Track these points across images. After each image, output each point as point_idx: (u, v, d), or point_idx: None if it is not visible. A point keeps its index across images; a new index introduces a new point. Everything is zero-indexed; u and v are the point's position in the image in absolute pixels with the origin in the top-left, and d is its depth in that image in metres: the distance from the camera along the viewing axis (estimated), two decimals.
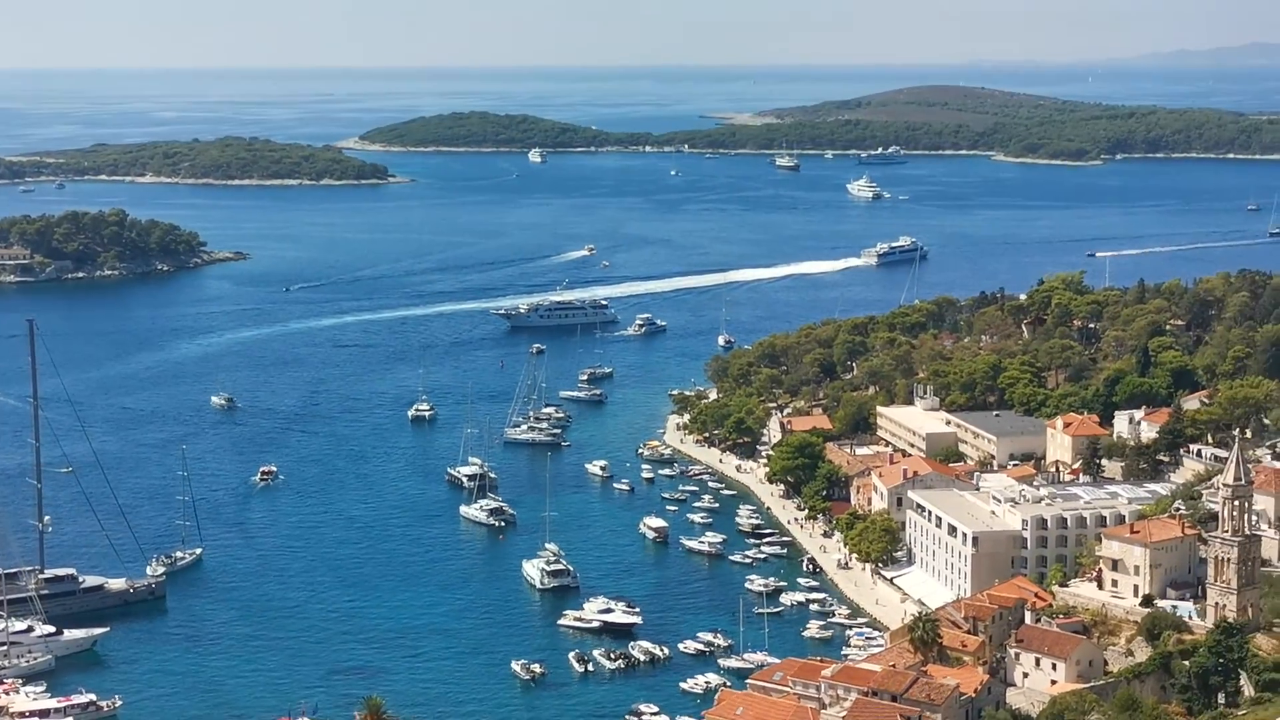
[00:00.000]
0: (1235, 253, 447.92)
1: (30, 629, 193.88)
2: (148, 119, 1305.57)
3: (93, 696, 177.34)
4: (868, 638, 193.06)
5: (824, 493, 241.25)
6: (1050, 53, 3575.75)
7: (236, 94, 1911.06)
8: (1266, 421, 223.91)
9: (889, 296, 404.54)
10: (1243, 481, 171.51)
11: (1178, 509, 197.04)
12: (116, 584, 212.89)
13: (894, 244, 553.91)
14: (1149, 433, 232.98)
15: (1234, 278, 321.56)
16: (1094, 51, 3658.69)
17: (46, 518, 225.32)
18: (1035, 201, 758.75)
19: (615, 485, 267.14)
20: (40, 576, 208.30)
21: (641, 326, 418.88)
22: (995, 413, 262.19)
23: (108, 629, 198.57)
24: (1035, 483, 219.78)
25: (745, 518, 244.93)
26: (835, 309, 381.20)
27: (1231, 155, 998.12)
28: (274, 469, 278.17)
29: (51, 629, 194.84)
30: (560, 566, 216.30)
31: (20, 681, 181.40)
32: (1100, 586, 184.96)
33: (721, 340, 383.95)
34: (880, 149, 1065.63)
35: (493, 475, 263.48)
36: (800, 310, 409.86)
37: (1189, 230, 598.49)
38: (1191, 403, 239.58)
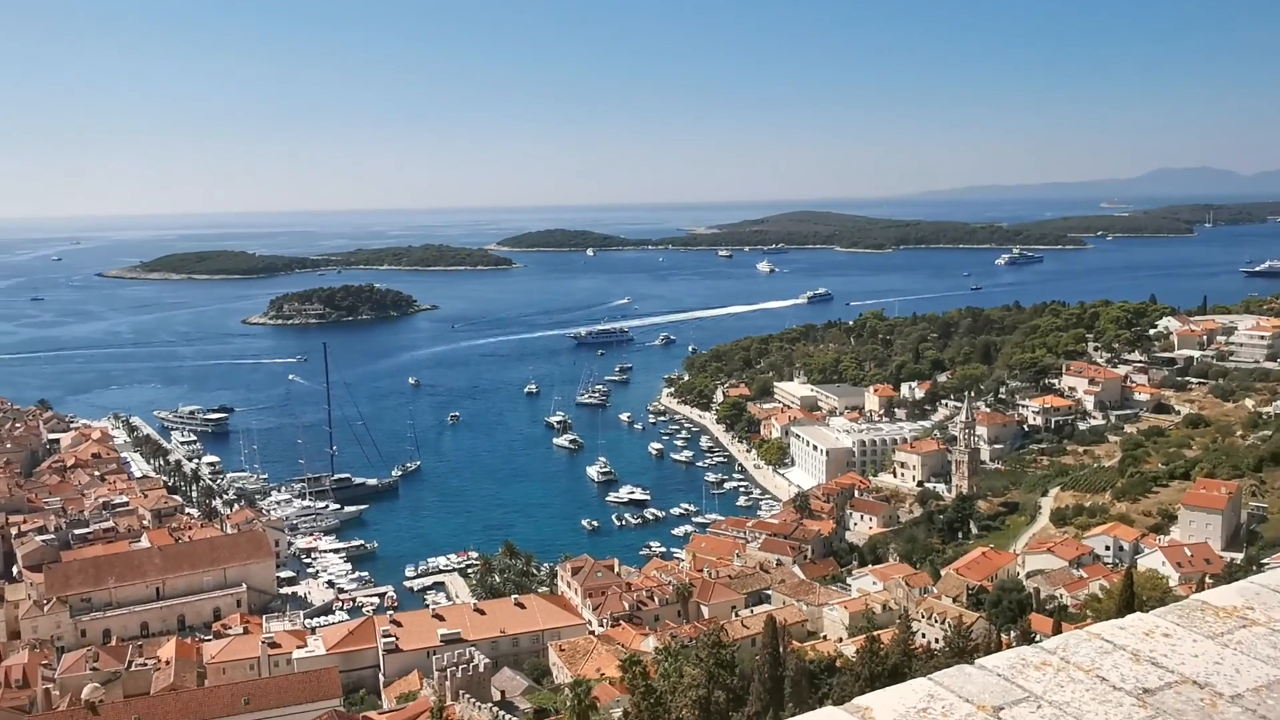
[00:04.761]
0: (960, 298, 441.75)
1: (326, 506, 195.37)
2: (384, 237, 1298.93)
3: (361, 541, 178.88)
4: (770, 505, 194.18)
5: (747, 428, 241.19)
6: (863, 191, 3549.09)
7: (433, 222, 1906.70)
8: (982, 388, 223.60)
9: (790, 321, 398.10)
10: (970, 419, 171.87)
11: (936, 434, 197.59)
12: (372, 482, 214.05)
13: (816, 291, 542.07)
14: (919, 394, 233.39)
15: (962, 311, 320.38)
16: (887, 190, 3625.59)
17: (334, 447, 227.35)
18: (857, 272, 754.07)
19: (634, 426, 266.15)
20: (331, 478, 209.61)
21: (663, 340, 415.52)
22: (838, 384, 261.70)
23: (368, 506, 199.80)
24: (859, 422, 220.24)
25: (705, 442, 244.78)
26: (752, 330, 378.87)
27: (961, 245, 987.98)
28: (458, 414, 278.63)
29: (338, 506, 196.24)
30: (607, 469, 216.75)
31: (321, 534, 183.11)
32: (895, 476, 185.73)
33: (690, 348, 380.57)
34: (774, 245, 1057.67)
35: (570, 421, 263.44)
36: (733, 332, 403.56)
37: (937, 285, 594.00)
38: (942, 378, 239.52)
